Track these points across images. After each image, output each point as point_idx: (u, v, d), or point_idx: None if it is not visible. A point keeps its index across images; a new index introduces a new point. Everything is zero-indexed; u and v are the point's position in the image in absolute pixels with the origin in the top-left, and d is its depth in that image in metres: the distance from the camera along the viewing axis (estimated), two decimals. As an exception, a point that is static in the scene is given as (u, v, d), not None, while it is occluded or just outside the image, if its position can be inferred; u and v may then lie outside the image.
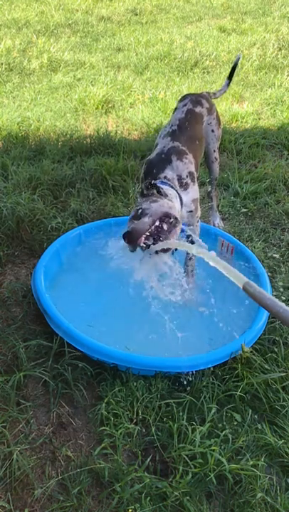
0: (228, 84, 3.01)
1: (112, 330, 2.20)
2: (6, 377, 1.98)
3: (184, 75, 5.79)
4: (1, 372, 2.03)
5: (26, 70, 5.83)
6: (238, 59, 2.96)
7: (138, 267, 2.45)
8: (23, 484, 1.67)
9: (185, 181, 2.30)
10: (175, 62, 6.08)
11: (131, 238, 2.00)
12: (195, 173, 2.39)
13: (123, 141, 4.03)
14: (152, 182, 2.14)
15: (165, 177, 2.27)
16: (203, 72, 5.88)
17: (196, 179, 2.38)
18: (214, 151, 2.84)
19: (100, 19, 7.98)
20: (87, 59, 6.17)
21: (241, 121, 4.64)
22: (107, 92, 4.99)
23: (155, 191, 2.14)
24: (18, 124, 4.31)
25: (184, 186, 2.30)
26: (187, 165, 2.33)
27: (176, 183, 2.29)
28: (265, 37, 6.96)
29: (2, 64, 5.83)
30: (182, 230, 2.27)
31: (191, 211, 2.37)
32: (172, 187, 2.25)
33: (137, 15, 8.40)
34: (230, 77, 3.03)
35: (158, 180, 2.25)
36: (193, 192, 2.35)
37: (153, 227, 2.03)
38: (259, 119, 4.76)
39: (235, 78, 5.67)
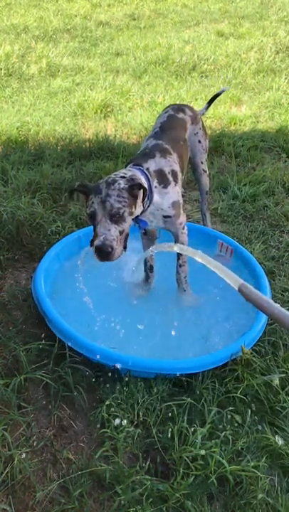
0: (206, 108, 3.00)
1: (112, 332, 2.21)
2: (7, 380, 1.98)
3: (182, 79, 5.83)
4: (1, 375, 2.03)
5: (25, 75, 5.86)
6: (223, 91, 3.05)
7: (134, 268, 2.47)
8: (25, 487, 1.67)
9: (166, 178, 2.15)
10: (173, 66, 6.12)
11: (105, 257, 1.90)
12: (179, 173, 2.23)
13: (122, 145, 4.05)
14: (139, 183, 1.94)
15: (147, 169, 2.11)
16: (202, 76, 5.91)
17: (179, 181, 2.22)
18: (202, 162, 2.74)
19: (99, 24, 8.02)
20: (85, 64, 6.20)
21: (240, 125, 4.66)
22: (105, 97, 5.01)
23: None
24: (17, 128, 4.34)
25: (164, 183, 2.14)
26: (171, 163, 2.19)
27: (156, 178, 2.12)
28: (262, 41, 7.01)
29: (1, 69, 5.87)
30: (142, 223, 2.14)
31: (168, 216, 2.18)
32: (149, 180, 2.08)
33: (135, 20, 8.44)
34: (210, 102, 3.03)
35: (137, 167, 2.10)
36: (174, 193, 2.17)
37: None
38: (257, 122, 4.78)
39: (233, 81, 5.73)
